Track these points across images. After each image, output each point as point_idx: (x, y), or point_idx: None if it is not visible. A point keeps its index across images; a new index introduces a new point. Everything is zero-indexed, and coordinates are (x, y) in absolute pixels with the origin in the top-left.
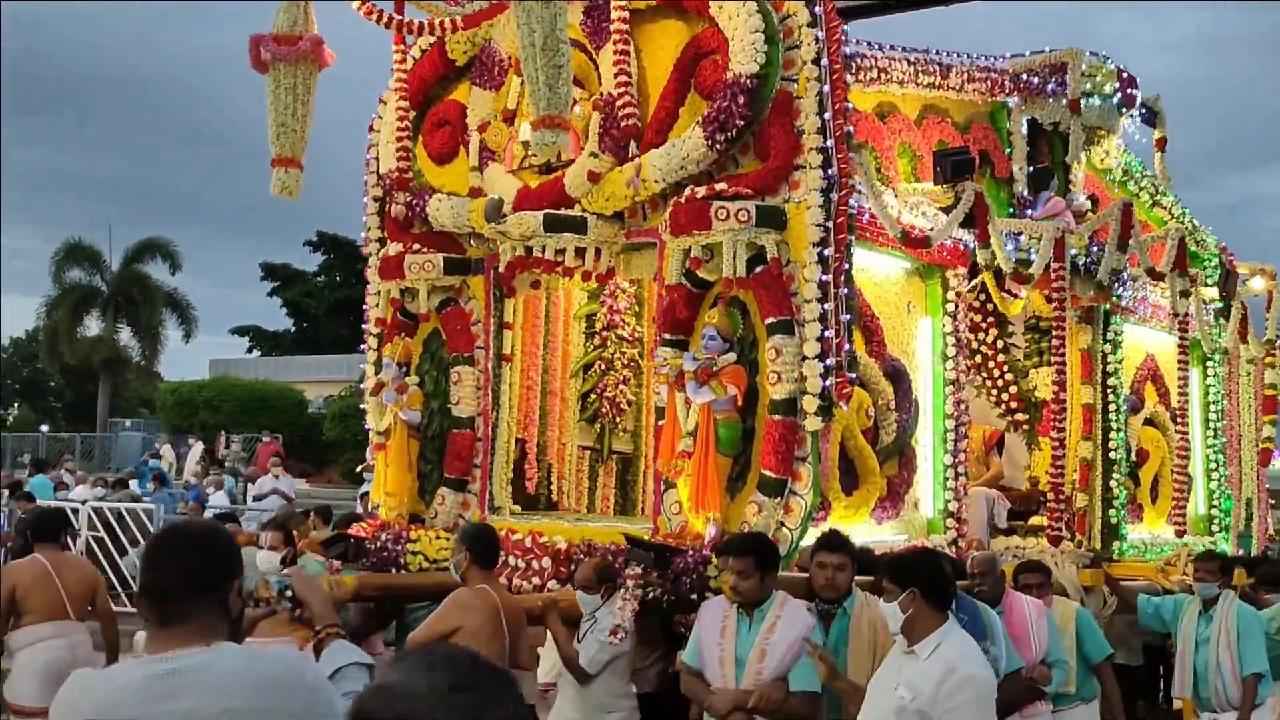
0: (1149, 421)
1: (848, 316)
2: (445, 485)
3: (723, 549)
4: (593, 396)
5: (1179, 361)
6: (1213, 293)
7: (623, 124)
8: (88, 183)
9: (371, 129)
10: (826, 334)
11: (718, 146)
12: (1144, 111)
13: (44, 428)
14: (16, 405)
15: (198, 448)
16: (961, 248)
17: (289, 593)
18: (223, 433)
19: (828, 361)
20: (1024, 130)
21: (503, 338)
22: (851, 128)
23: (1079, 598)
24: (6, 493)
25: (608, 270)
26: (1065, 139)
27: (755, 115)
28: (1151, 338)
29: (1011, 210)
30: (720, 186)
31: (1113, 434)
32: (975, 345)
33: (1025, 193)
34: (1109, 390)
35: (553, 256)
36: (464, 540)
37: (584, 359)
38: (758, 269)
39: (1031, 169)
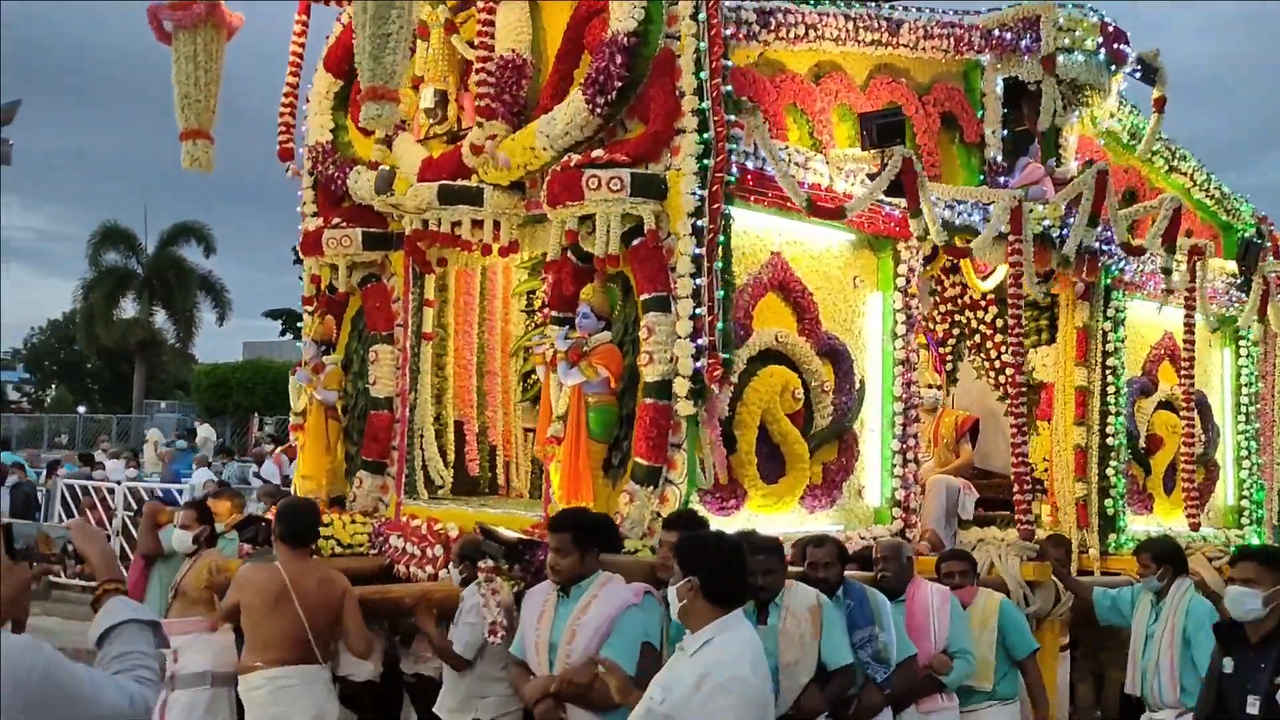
0: (1165, 405)
1: (722, 292)
2: (364, 468)
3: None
4: (533, 377)
5: (1185, 341)
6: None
7: (476, 103)
8: (123, 166)
9: (308, 100)
10: (698, 311)
11: (599, 110)
12: (1140, 68)
13: (81, 409)
14: (54, 387)
15: (210, 432)
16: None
17: (70, 547)
18: (255, 415)
19: (699, 341)
20: (998, 91)
21: (422, 315)
22: (731, 87)
23: (1021, 593)
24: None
25: (510, 244)
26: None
27: (636, 76)
28: (1171, 315)
29: (983, 178)
30: (596, 153)
31: (1111, 418)
32: (974, 325)
33: (1000, 159)
34: (1108, 371)
35: (449, 229)
36: (275, 516)
37: (525, 338)
38: (635, 241)
39: (1007, 133)
